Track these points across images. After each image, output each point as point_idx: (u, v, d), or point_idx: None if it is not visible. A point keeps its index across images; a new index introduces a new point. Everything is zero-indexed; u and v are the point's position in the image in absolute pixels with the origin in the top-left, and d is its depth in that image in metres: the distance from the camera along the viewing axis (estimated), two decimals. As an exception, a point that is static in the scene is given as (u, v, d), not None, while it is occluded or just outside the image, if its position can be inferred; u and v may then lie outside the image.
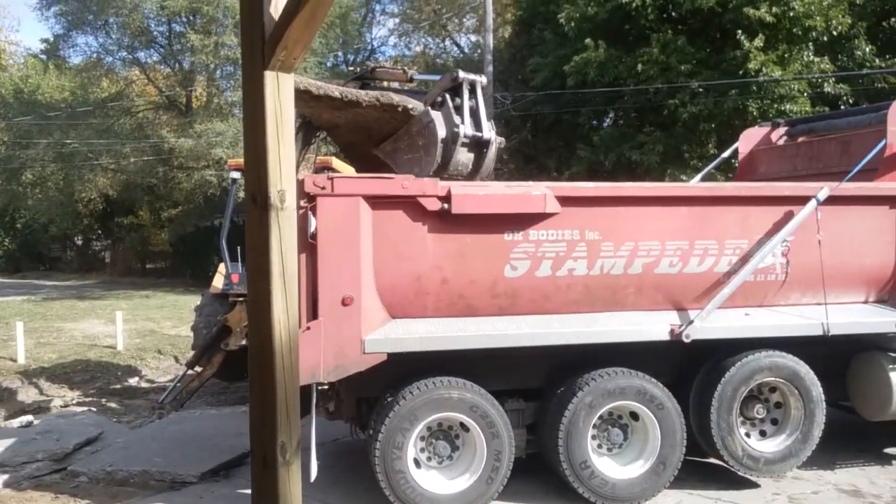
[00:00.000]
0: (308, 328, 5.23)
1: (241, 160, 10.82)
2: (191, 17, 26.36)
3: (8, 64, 40.33)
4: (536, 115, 22.11)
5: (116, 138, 26.91)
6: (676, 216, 5.83)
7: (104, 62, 28.66)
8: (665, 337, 5.73)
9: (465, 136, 5.53)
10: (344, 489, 6.15)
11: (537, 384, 6.05)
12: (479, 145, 5.69)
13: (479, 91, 5.72)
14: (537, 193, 5.52)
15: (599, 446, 5.88)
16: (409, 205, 5.37)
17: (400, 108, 5.87)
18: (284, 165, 1.94)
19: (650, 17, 17.27)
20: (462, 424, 5.62)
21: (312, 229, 5.24)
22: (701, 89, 16.69)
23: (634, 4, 16.92)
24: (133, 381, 12.03)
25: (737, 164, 8.69)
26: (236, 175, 9.99)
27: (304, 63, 25.18)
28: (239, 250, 10.11)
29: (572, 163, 19.77)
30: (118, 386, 11.31)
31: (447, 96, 5.87)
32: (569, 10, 18.23)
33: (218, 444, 7.41)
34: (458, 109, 5.67)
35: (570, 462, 5.64)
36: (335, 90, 5.86)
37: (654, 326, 5.76)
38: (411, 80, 6.80)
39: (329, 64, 32.54)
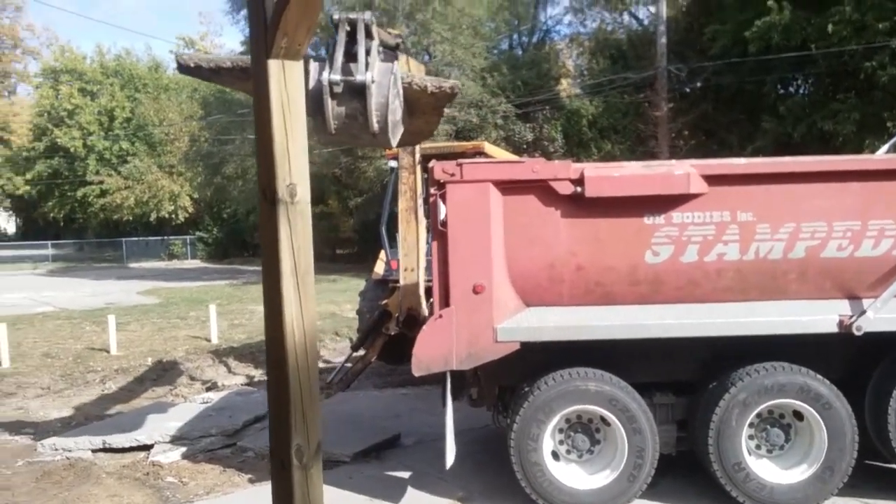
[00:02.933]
0: (440, 316, 5.22)
1: (399, 149, 11.08)
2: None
3: (213, 67, 43.93)
4: (716, 87, 20.78)
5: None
6: (846, 193, 5.18)
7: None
8: (833, 329, 5.14)
9: (336, 84, 4.64)
10: (485, 478, 6.10)
11: (687, 377, 5.65)
12: (358, 91, 4.75)
13: (360, 31, 4.70)
14: (680, 173, 5.12)
15: (758, 447, 5.40)
16: (541, 189, 5.18)
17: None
18: (294, 158, 1.87)
19: (843, -28, 15.64)
20: (602, 418, 5.37)
21: (443, 216, 5.20)
22: (903, 48, 14.91)
23: (824, -42, 15.42)
24: (310, 361, 12.72)
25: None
26: (393, 164, 10.17)
27: (473, 48, 25.33)
28: (397, 237, 10.34)
29: (756, 136, 18.45)
30: (296, 366, 11.99)
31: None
32: (750, -29, 16.95)
33: (374, 425, 7.65)
34: (331, 53, 4.75)
35: (721, 463, 5.23)
36: (226, 61, 5.36)
37: (819, 317, 5.18)
38: (401, 38, 6.18)
39: (504, 47, 32.58)
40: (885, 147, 8.23)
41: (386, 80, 4.77)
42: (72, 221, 52.11)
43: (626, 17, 33.64)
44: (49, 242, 46.40)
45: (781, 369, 5.23)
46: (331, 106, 4.66)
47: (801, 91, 19.66)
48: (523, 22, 31.63)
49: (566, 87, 28.34)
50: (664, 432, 5.48)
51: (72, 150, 45.52)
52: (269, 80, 1.89)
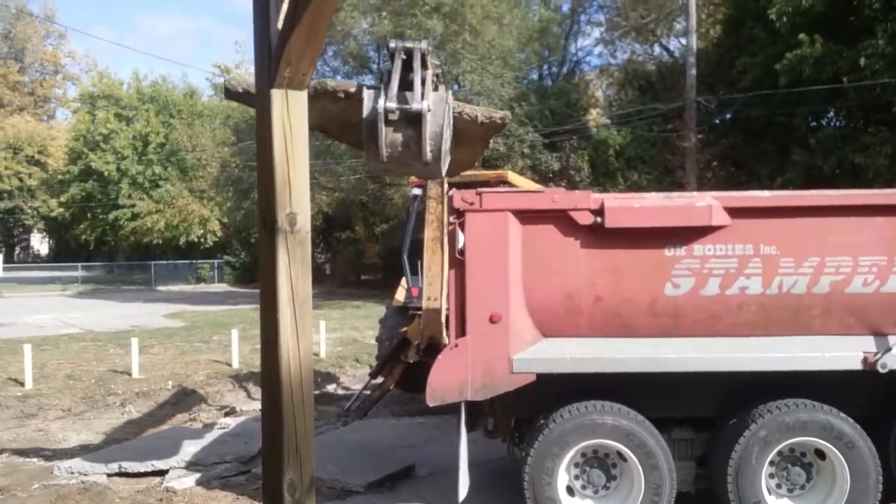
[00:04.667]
0: (456, 345, 5.18)
1: (422, 177, 11.10)
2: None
3: (246, 94, 44.66)
4: (745, 118, 20.63)
5: (333, 158, 28.83)
6: (872, 228, 5.08)
7: (323, 88, 30.83)
8: (857, 366, 5.02)
9: (391, 112, 4.65)
10: (499, 511, 6.00)
11: (707, 413, 5.53)
12: (412, 120, 4.77)
13: (416, 60, 4.74)
14: (702, 205, 5.06)
15: (778, 486, 5.25)
16: (560, 219, 5.14)
17: (340, 94, 5.16)
18: (295, 187, 1.85)
19: (875, 6, 15.51)
20: (619, 453, 5.26)
21: (461, 245, 5.18)
22: (938, 82, 14.73)
23: (857, -8, 15.33)
24: (331, 387, 12.70)
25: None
26: (417, 191, 10.19)
27: (502, 78, 25.47)
28: (419, 265, 10.33)
29: (786, 168, 18.23)
30: (316, 392, 11.95)
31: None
32: (781, 5, 16.88)
33: (389, 454, 7.56)
34: (386, 82, 4.74)
35: (740, 501, 5.09)
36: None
37: (843, 354, 5.06)
38: (440, 67, 6.08)
39: (535, 77, 32.74)
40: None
41: (441, 109, 4.79)
42: (103, 244, 52.88)
43: (656, 48, 33.73)
44: (79, 264, 46.99)
45: (804, 406, 5.10)
46: (384, 133, 4.65)
47: (831, 124, 19.43)
48: (553, 53, 31.80)
49: (594, 117, 28.35)
50: (682, 469, 5.35)
51: (105, 173, 46.31)
52: (272, 109, 1.89)
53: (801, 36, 16.12)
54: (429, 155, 4.75)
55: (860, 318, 5.12)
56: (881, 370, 4.92)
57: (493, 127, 5.80)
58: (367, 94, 4.73)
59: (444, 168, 5.08)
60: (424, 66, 4.63)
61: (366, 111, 4.69)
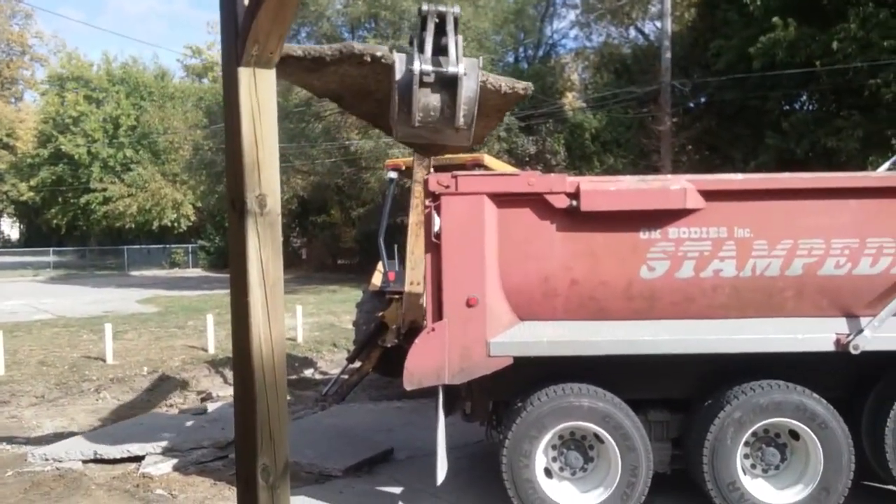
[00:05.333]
0: (433, 329, 5.17)
1: (398, 160, 11.04)
2: (373, 23, 27.41)
3: (218, 76, 44.16)
4: (720, 102, 20.75)
5: (308, 141, 28.59)
6: (844, 210, 5.13)
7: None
8: (830, 347, 5.08)
9: (426, 74, 4.60)
10: (476, 494, 6.02)
11: (683, 395, 5.58)
12: (447, 83, 4.74)
13: (449, 24, 4.74)
14: (676, 188, 5.07)
15: (753, 466, 5.32)
16: (536, 202, 5.13)
17: (367, 57, 5.11)
18: (265, 168, 1.82)
19: (849, -11, 15.65)
20: (596, 435, 5.29)
21: (437, 229, 5.15)
22: (908, 66, 14.89)
23: (831, -24, 15.44)
24: (308, 372, 12.67)
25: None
26: (393, 175, 10.16)
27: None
28: (395, 249, 10.30)
29: (760, 152, 18.40)
30: (294, 377, 11.93)
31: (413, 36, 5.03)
32: (755, -13, 16.96)
33: (367, 438, 7.56)
34: (420, 46, 4.71)
35: (715, 482, 5.15)
36: (297, 49, 5.25)
37: (816, 335, 5.12)
38: None
39: (511, 59, 32.64)
40: (886, 165, 8.19)
41: (474, 73, 4.74)
42: (74, 228, 52.15)
43: (632, 31, 33.76)
44: (51, 249, 46.37)
45: (777, 388, 5.16)
46: (418, 96, 4.59)
47: (804, 107, 19.61)
48: (529, 35, 31.71)
49: (570, 100, 28.37)
50: (658, 450, 5.41)
51: (76, 157, 45.59)
52: (239, 87, 1.84)
53: (775, 19, 16.23)
54: (462, 120, 4.71)
55: (832, 300, 5.18)
56: (853, 351, 4.98)
57: (515, 98, 5.70)
58: (399, 58, 4.69)
59: (471, 137, 5.01)
60: (456, 30, 4.57)
61: (398, 74, 4.63)
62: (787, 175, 5.32)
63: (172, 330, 16.04)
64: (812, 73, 16.86)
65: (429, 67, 4.57)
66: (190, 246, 45.68)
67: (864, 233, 5.09)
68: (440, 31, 4.66)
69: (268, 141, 1.82)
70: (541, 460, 5.28)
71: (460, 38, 4.64)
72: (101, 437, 7.71)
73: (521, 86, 5.67)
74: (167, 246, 46.41)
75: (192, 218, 44.63)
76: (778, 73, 17.32)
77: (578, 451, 5.38)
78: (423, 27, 4.69)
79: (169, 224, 44.11)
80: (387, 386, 10.90)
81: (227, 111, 1.90)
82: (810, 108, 19.38)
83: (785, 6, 16.52)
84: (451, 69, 4.55)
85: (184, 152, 39.26)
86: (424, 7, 4.68)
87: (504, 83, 5.47)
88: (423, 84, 4.57)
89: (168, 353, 13.15)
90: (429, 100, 4.67)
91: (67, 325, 16.86)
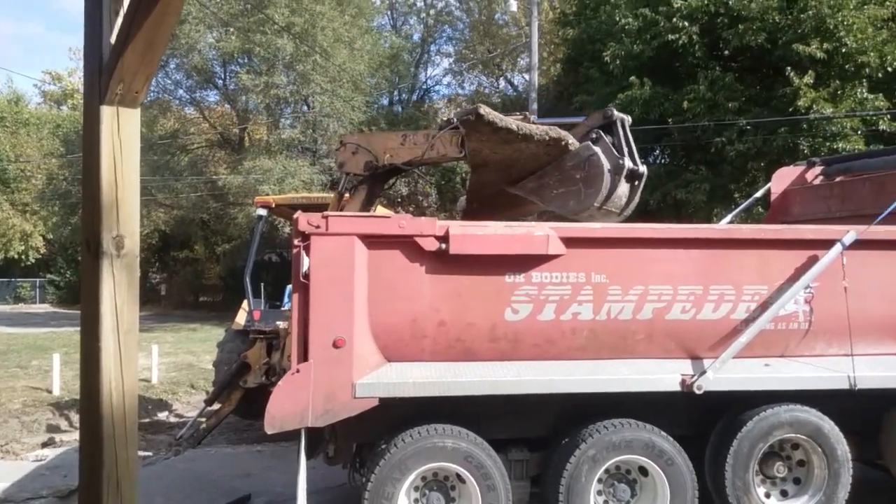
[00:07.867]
0: (297, 370, 5.07)
1: (268, 197, 10.89)
2: (246, 58, 27.03)
3: (78, 103, 42.00)
4: (582, 154, 21.79)
5: (172, 174, 27.61)
6: (689, 259, 5.52)
7: (164, 101, 29.51)
8: (676, 388, 5.38)
9: (628, 169, 5.60)
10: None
11: (542, 434, 5.75)
12: (634, 178, 5.76)
13: (627, 128, 5.80)
14: (540, 234, 5.29)
15: (606, 502, 5.53)
16: (406, 244, 5.20)
17: (563, 143, 5.83)
18: (124, 209, 1.76)
19: (697, 55, 16.95)
20: (458, 475, 5.34)
21: (305, 269, 5.11)
22: (749, 127, 16.24)
23: (681, 41, 16.66)
24: (163, 415, 12.08)
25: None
26: (262, 212, 10.02)
27: (352, 102, 25.53)
28: (262, 287, 10.10)
29: (617, 202, 19.38)
30: (146, 420, 11.32)
31: (601, 132, 5.90)
32: (614, 49, 18.05)
33: (223, 485, 7.28)
34: (616, 144, 5.75)
35: (572, 519, 5.31)
36: (513, 123, 5.82)
37: (664, 376, 5.42)
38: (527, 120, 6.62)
39: (385, 102, 33.01)
40: (728, 217, 8.87)
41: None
42: None
43: (502, 82, 35.03)
44: None
45: (629, 426, 5.42)
46: (617, 186, 5.59)
47: (657, 161, 20.91)
48: (403, 80, 32.26)
49: (441, 145, 28.91)
50: (518, 488, 5.52)
51: (-87, 181, 41.91)
52: (101, 126, 1.76)
53: (632, 78, 17.30)
54: (630, 208, 5.81)
55: (679, 343, 5.52)
56: (697, 391, 5.30)
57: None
58: (598, 149, 5.68)
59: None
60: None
61: (607, 163, 5.61)
62: (640, 225, 5.66)
63: (14, 370, 14.89)
64: (665, 129, 18.06)
65: (630, 164, 5.60)
66: (38, 280, 42.74)
67: (707, 280, 5.49)
68: (623, 131, 5.76)
69: (128, 180, 1.75)
70: (403, 502, 5.27)
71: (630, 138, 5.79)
72: (-76, 487, 7.03)
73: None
74: (12, 280, 43.21)
75: (42, 251, 41.86)
76: (635, 129, 18.37)
77: (440, 491, 5.39)
78: (607, 130, 5.81)
79: (15, 256, 41.12)
80: (246, 429, 10.56)
81: (87, 148, 1.83)
82: (663, 161, 20.69)
83: (642, 66, 17.66)
84: (641, 168, 5.67)
85: (36, 181, 36.96)
86: (614, 113, 5.83)
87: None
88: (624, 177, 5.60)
89: (7, 394, 12.18)
90: (621, 190, 5.64)
91: None
